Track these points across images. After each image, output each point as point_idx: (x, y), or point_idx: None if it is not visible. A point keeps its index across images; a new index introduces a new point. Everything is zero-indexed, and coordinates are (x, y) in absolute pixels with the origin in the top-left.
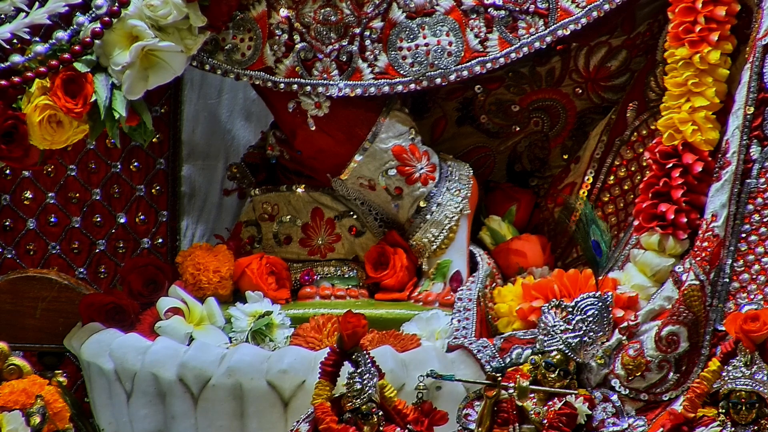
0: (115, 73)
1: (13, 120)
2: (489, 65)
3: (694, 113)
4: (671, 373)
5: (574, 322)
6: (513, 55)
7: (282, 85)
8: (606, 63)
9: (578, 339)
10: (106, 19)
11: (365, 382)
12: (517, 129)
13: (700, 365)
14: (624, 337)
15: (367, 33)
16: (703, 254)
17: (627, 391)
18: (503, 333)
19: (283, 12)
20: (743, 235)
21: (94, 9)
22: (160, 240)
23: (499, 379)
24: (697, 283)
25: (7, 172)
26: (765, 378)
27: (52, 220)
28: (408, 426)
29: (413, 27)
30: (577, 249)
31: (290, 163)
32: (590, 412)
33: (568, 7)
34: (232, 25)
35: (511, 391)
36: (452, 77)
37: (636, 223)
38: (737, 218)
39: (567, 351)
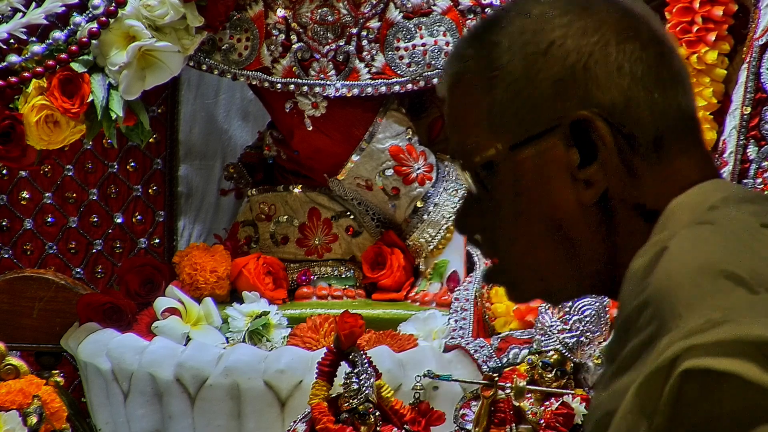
0: (112, 73)
1: (10, 120)
2: None
3: None
4: None
5: (571, 322)
6: None
7: (279, 86)
8: None
9: (575, 339)
10: (103, 19)
11: (362, 382)
12: None
13: None
14: None
15: (364, 33)
16: None
17: None
18: (500, 333)
19: (280, 12)
20: None
21: (91, 9)
22: (157, 240)
23: (496, 379)
24: None
25: (4, 172)
26: None
27: (49, 220)
28: (405, 426)
29: (410, 27)
30: None
31: (287, 163)
32: (587, 413)
33: None
34: (229, 25)
35: (508, 391)
36: None
37: None
38: None
39: (564, 351)
